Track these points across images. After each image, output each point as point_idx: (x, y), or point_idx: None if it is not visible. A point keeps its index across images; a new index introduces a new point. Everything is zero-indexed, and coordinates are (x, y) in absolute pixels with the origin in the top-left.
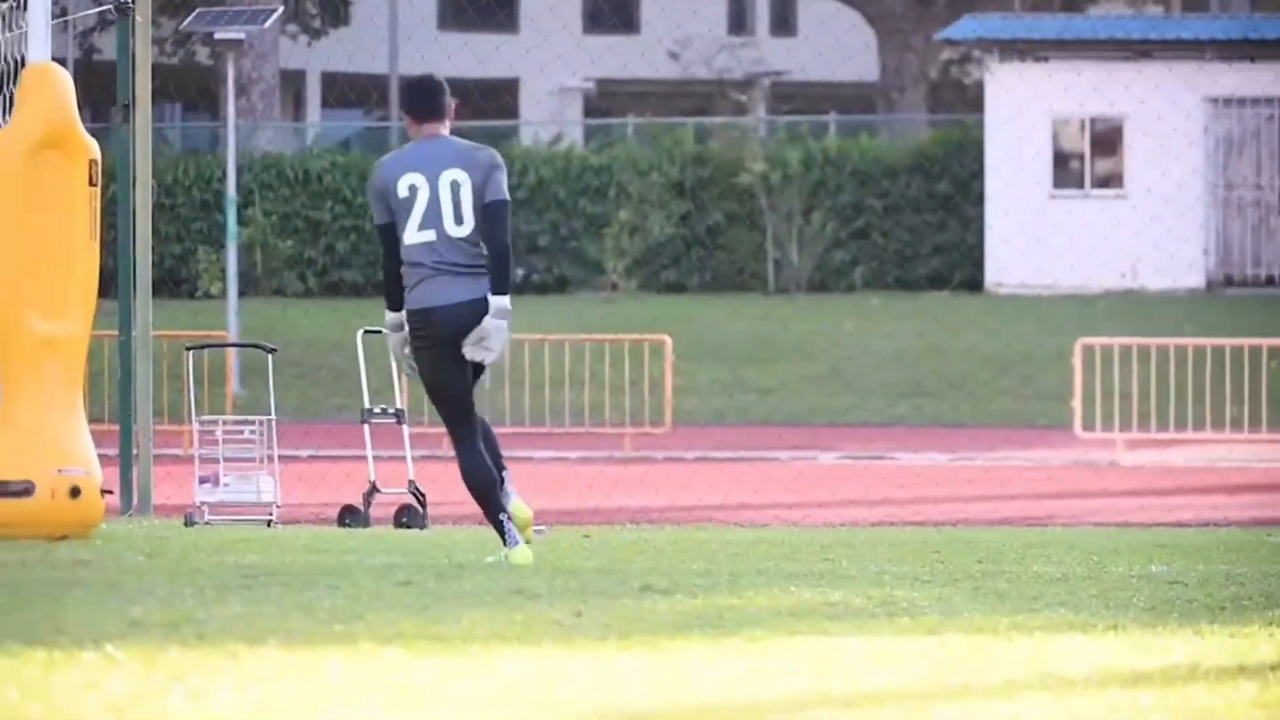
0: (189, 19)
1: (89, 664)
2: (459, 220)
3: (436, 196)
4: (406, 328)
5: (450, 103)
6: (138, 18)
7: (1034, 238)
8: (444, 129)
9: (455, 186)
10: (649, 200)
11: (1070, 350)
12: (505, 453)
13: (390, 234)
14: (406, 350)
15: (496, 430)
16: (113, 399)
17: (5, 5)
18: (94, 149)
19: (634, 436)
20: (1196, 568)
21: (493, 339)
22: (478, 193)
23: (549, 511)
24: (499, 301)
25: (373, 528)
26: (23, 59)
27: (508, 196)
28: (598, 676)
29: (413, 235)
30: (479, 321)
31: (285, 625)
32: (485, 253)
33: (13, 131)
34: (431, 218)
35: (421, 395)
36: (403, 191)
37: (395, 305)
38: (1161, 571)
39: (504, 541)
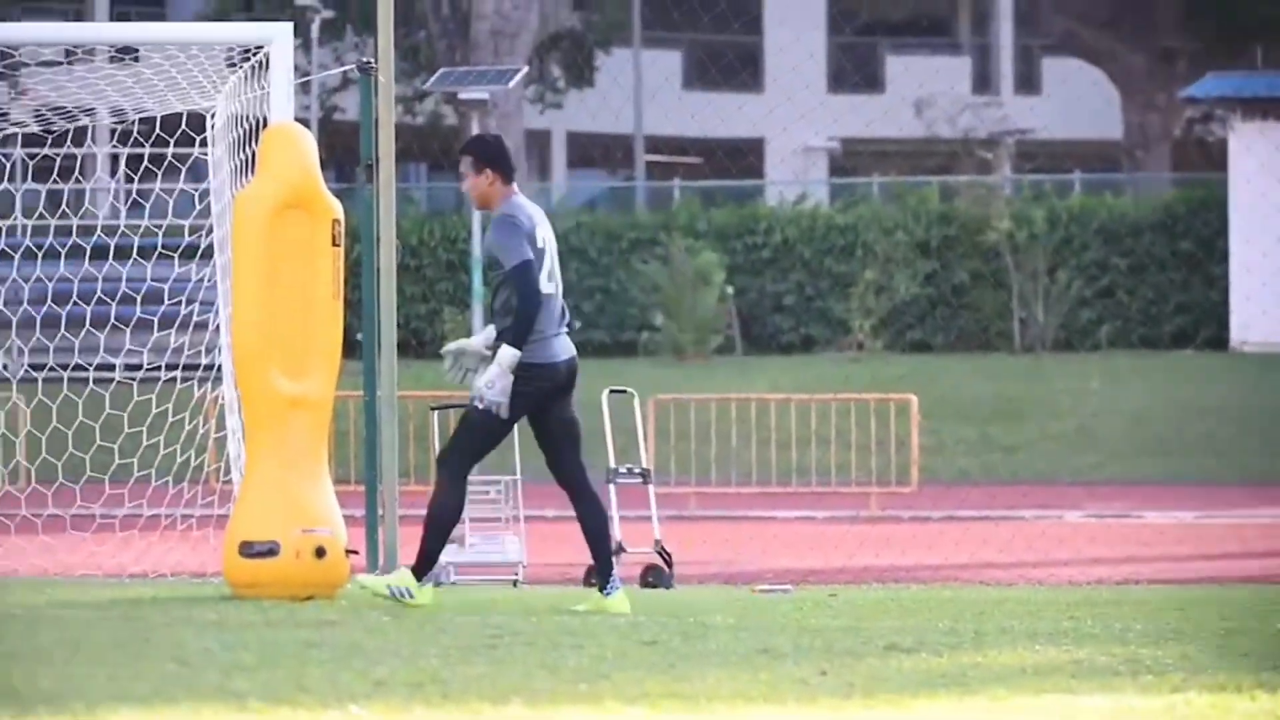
0: (433, 79)
1: None
2: (551, 278)
3: (552, 255)
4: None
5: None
6: (380, 77)
7: (1278, 295)
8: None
9: (553, 248)
10: (894, 259)
11: None
12: (753, 511)
13: (535, 272)
14: (500, 388)
15: (746, 489)
16: (359, 459)
17: (247, 65)
18: (337, 209)
19: (880, 495)
20: None
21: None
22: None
23: (794, 570)
24: None
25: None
26: (264, 119)
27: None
28: None
29: (544, 285)
30: (571, 380)
31: (530, 685)
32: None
33: (256, 191)
34: (551, 273)
35: (669, 454)
36: (539, 242)
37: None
38: None
39: (418, 577)
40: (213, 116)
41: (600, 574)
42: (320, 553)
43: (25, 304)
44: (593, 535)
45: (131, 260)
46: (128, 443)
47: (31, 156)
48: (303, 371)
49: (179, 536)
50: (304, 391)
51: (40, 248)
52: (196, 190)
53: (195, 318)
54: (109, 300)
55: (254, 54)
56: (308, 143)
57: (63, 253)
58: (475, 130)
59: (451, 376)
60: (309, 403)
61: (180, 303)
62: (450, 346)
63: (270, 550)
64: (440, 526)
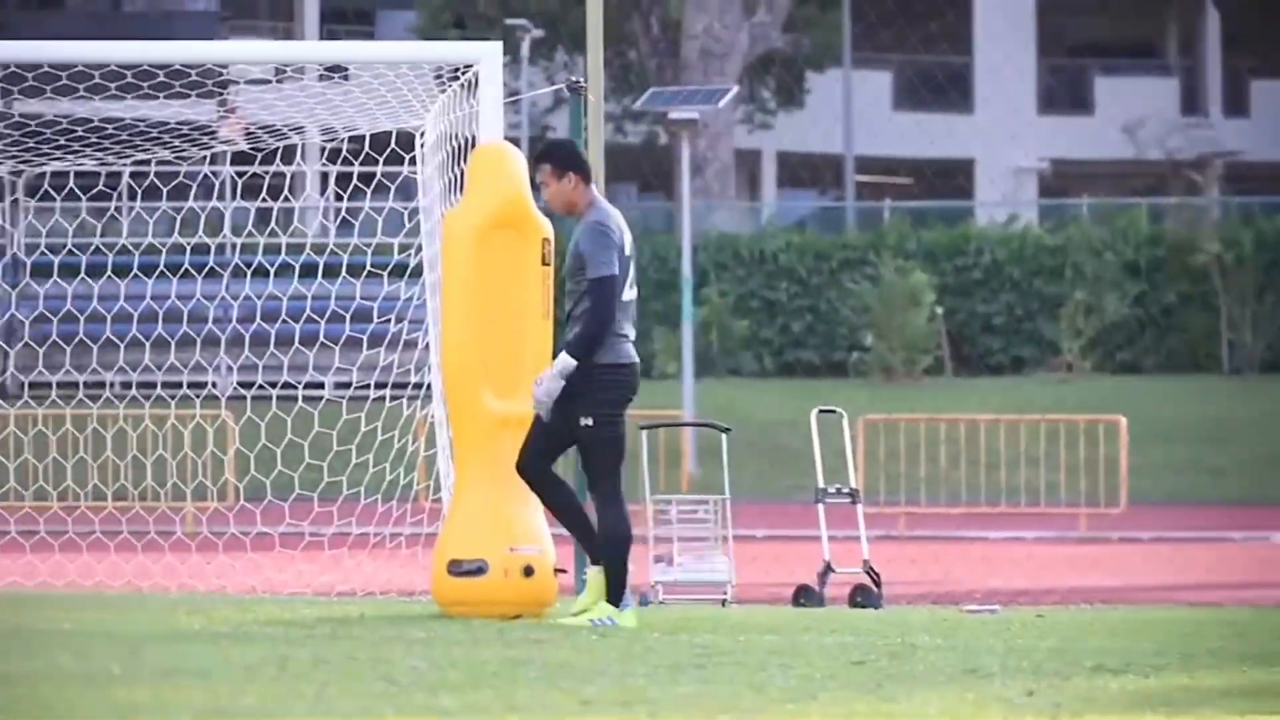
0: (643, 98)
1: None
2: (631, 285)
3: (633, 260)
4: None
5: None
6: (590, 96)
7: None
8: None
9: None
10: (1104, 280)
11: None
12: (961, 532)
13: (617, 289)
14: (546, 389)
15: (955, 509)
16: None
17: (456, 84)
18: (547, 228)
19: (1089, 516)
20: None
21: None
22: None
23: (1002, 591)
24: None
25: (827, 607)
26: (474, 137)
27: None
28: None
29: (627, 293)
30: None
31: (737, 704)
32: None
33: (465, 210)
34: (631, 280)
35: (878, 475)
36: (627, 249)
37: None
38: None
39: (618, 602)
40: (422, 135)
41: (610, 587)
42: (528, 571)
43: (234, 322)
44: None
45: (341, 278)
46: (337, 460)
47: (240, 175)
48: (512, 390)
49: (388, 555)
50: (513, 410)
51: (249, 266)
52: (406, 209)
53: (404, 336)
54: (318, 318)
55: (463, 73)
56: (517, 162)
57: (272, 271)
58: (685, 151)
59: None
60: (518, 421)
61: (389, 321)
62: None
63: (479, 569)
64: (617, 549)
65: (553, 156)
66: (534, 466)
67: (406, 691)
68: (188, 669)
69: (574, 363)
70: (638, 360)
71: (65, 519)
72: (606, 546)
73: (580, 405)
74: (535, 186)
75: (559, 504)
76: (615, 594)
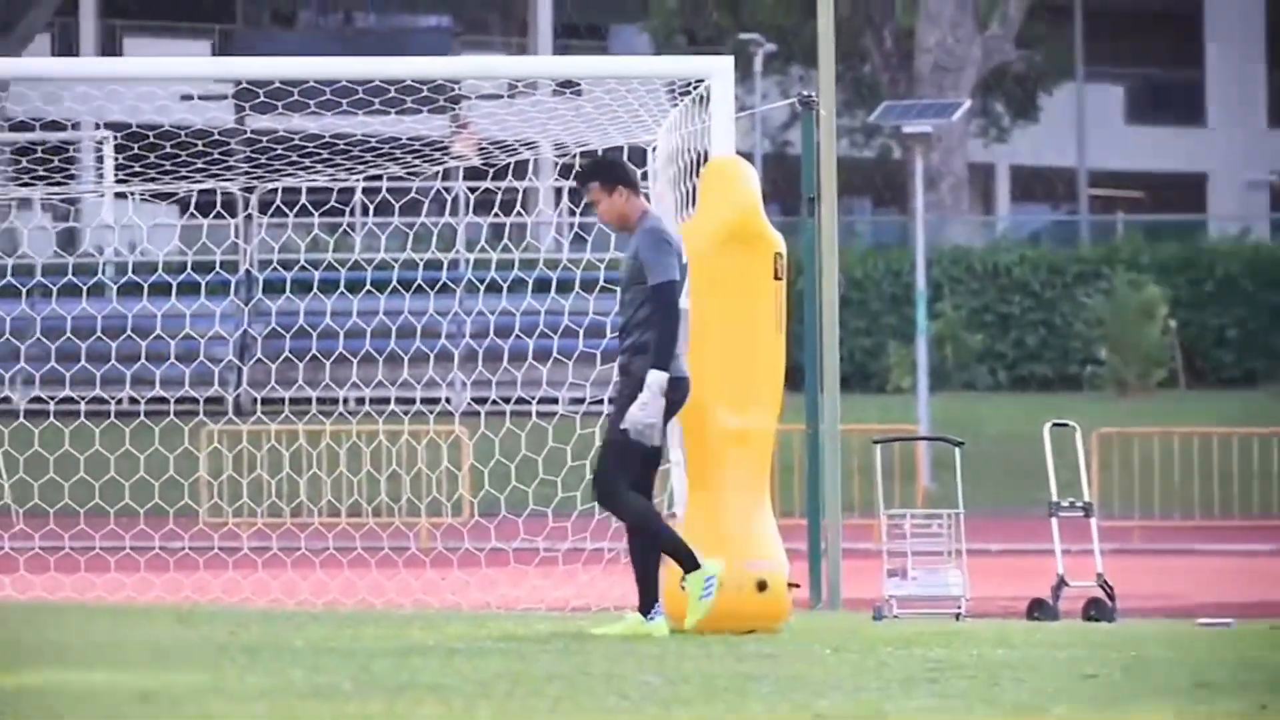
0: (876, 112)
1: None
2: (685, 296)
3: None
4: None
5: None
6: (822, 111)
7: None
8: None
9: None
10: None
11: None
12: (1196, 545)
13: (680, 293)
14: (653, 410)
15: (1189, 523)
16: (801, 493)
17: (688, 99)
18: (779, 242)
19: None
20: None
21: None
22: None
23: (1236, 604)
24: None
25: (1061, 621)
26: (705, 152)
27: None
28: None
29: (682, 301)
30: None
31: (970, 718)
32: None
33: (697, 224)
34: (685, 291)
35: (1112, 488)
36: (683, 257)
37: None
38: None
39: (651, 608)
40: (653, 150)
41: (642, 596)
42: (762, 586)
43: (468, 337)
44: (638, 554)
45: (574, 293)
46: (571, 475)
47: (473, 190)
48: (745, 405)
49: (622, 570)
50: (746, 425)
51: (482, 281)
52: None
53: None
54: (551, 333)
55: (695, 87)
56: (749, 176)
57: (505, 286)
58: (919, 165)
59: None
60: (751, 436)
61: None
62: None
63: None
64: (650, 550)
65: (599, 173)
66: (621, 492)
67: (639, 706)
68: (420, 684)
69: (666, 374)
70: (688, 374)
71: (298, 535)
72: (639, 549)
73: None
74: (590, 201)
75: (648, 526)
76: (649, 601)
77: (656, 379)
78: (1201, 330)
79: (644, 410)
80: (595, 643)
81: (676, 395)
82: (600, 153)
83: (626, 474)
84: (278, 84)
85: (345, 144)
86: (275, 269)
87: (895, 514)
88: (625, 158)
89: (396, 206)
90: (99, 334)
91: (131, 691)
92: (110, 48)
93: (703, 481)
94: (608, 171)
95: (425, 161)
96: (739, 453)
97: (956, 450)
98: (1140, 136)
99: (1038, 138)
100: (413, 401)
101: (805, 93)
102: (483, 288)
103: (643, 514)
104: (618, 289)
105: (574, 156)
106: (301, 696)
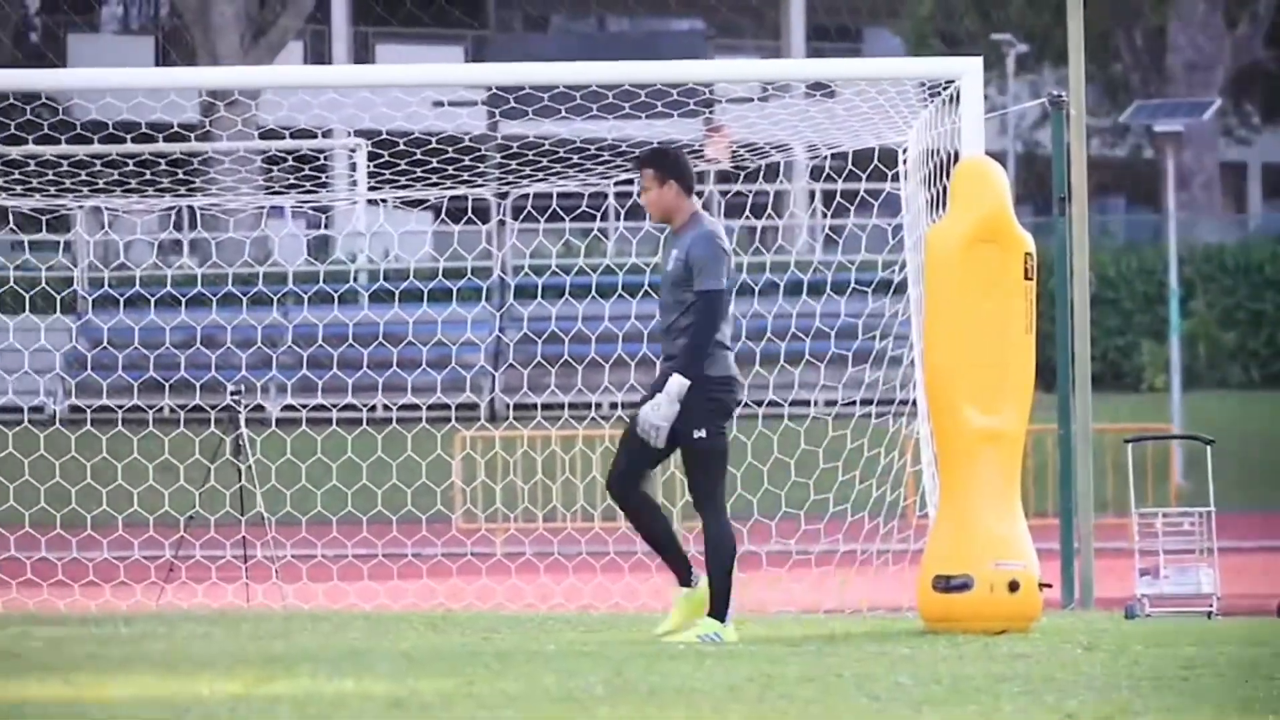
0: (1127, 112)
1: None
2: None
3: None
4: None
5: None
6: (1072, 110)
7: None
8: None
9: None
10: None
11: None
12: None
13: (725, 301)
14: (664, 414)
15: None
16: (1054, 493)
17: (938, 99)
18: (1029, 242)
19: None
20: None
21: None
22: None
23: None
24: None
25: None
26: (956, 153)
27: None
28: None
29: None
30: None
31: (1222, 718)
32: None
33: (947, 226)
34: (733, 293)
35: None
36: (734, 262)
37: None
38: None
39: (723, 617)
40: (904, 151)
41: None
42: (1013, 586)
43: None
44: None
45: (825, 295)
46: (823, 477)
47: (724, 193)
48: (996, 405)
49: (874, 571)
50: (997, 425)
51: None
52: (889, 225)
53: (889, 352)
54: (803, 336)
55: (945, 88)
56: (999, 177)
57: (756, 289)
58: (1171, 164)
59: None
60: (1002, 437)
61: (874, 337)
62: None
63: (964, 584)
64: (724, 561)
65: (655, 162)
66: (624, 485)
67: (890, 708)
68: (670, 688)
69: (688, 383)
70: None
71: (551, 540)
72: (715, 558)
73: (694, 418)
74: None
75: (650, 523)
76: (720, 608)
77: (677, 384)
78: None
79: (656, 411)
80: (847, 645)
81: (732, 396)
82: (653, 144)
83: (720, 488)
84: (529, 89)
85: (597, 148)
86: (527, 274)
87: (1147, 513)
88: (875, 159)
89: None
90: (351, 341)
91: (383, 699)
92: (362, 55)
93: (953, 482)
94: (664, 163)
95: None
96: (990, 453)
97: (1208, 448)
98: None
99: None
100: None
101: (1055, 92)
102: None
103: (727, 550)
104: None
105: (825, 159)
106: (553, 701)
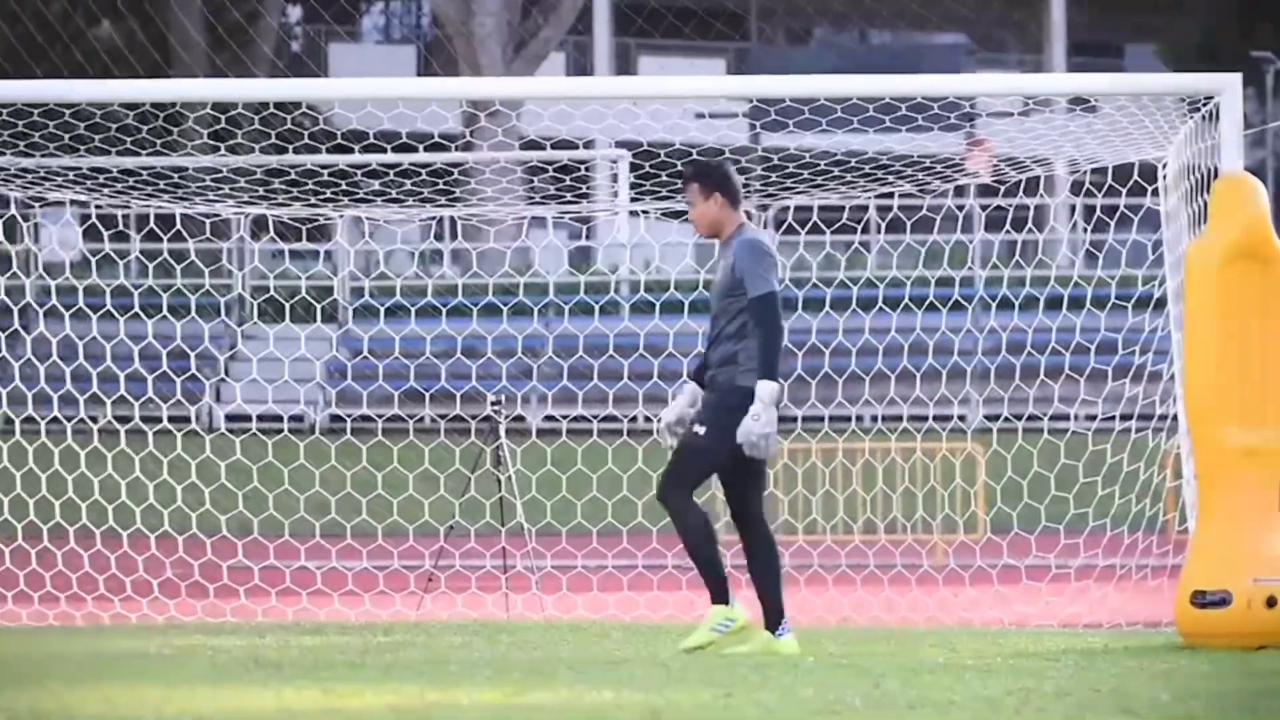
0: None
1: None
2: None
3: None
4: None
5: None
6: None
7: None
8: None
9: None
10: None
11: None
12: None
13: (779, 302)
14: (766, 420)
15: None
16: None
17: (1197, 115)
18: None
19: None
20: None
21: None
22: None
23: None
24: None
25: None
26: (1215, 169)
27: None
28: None
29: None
30: None
31: None
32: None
33: (1207, 242)
34: None
35: None
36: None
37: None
38: None
39: (778, 624)
40: (1164, 166)
41: (768, 614)
42: (1271, 602)
43: (980, 354)
44: (759, 573)
45: (1085, 310)
46: (1083, 492)
47: (985, 207)
48: (1258, 422)
49: (1133, 586)
50: (1258, 443)
51: (995, 298)
52: (1150, 240)
53: (1149, 368)
54: (1063, 350)
55: (1204, 104)
56: (1259, 193)
57: (1017, 303)
58: None
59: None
60: (1264, 453)
61: (1134, 353)
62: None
63: (1222, 600)
64: (703, 554)
65: (701, 176)
66: (683, 496)
67: None
68: (930, 702)
69: (776, 386)
70: None
71: (811, 552)
72: (691, 551)
73: (708, 418)
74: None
75: (697, 532)
76: (718, 592)
77: (768, 390)
78: None
79: (757, 422)
80: (1105, 660)
81: (740, 404)
82: (693, 157)
83: (693, 483)
84: (791, 102)
85: (858, 161)
86: (788, 286)
87: None
88: (1135, 174)
89: (908, 224)
90: (612, 352)
91: (640, 709)
92: (624, 66)
93: (1212, 498)
94: (710, 177)
95: (938, 179)
96: (1250, 470)
97: None
98: None
99: None
100: (925, 419)
101: None
102: (995, 304)
103: (695, 530)
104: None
105: (1085, 174)
106: (811, 713)
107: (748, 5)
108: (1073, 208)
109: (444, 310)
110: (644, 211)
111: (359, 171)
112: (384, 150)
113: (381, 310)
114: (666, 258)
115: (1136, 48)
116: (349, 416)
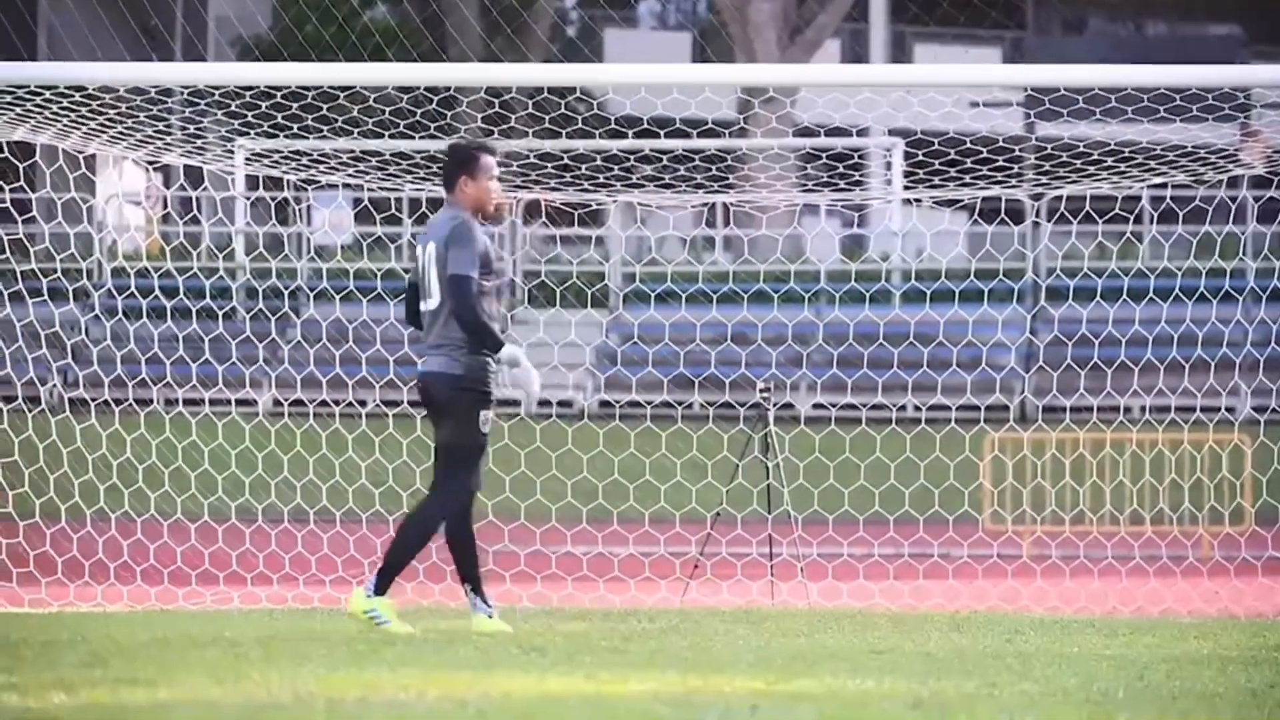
0: None
1: None
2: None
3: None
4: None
5: (457, 174)
6: None
7: None
8: (451, 200)
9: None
10: None
11: None
12: None
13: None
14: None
15: None
16: None
17: None
18: None
19: None
20: None
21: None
22: (442, 264)
23: None
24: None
25: None
26: None
27: (464, 271)
28: None
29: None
30: (437, 395)
31: None
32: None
33: None
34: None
35: None
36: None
37: None
38: None
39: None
40: None
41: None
42: None
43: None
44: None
45: None
46: None
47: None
48: None
49: None
50: None
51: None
52: None
53: None
54: None
55: None
56: None
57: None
58: None
59: None
60: None
61: None
62: None
63: None
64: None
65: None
66: None
67: None
68: (1192, 693)
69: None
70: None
71: (1077, 543)
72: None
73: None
74: None
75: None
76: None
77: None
78: None
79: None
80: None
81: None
82: None
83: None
84: (1066, 91)
85: (1131, 151)
86: (1059, 276)
87: None
88: None
89: (1181, 214)
90: (882, 340)
91: (904, 698)
92: (899, 54)
93: None
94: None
95: (1212, 169)
96: None
97: None
98: None
99: None
100: (1193, 410)
101: None
102: (1265, 296)
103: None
104: None
105: None
106: (1075, 705)
107: None
108: None
109: (715, 297)
110: (917, 200)
111: (632, 157)
112: (658, 136)
113: (652, 296)
114: (938, 246)
115: None
116: (618, 402)
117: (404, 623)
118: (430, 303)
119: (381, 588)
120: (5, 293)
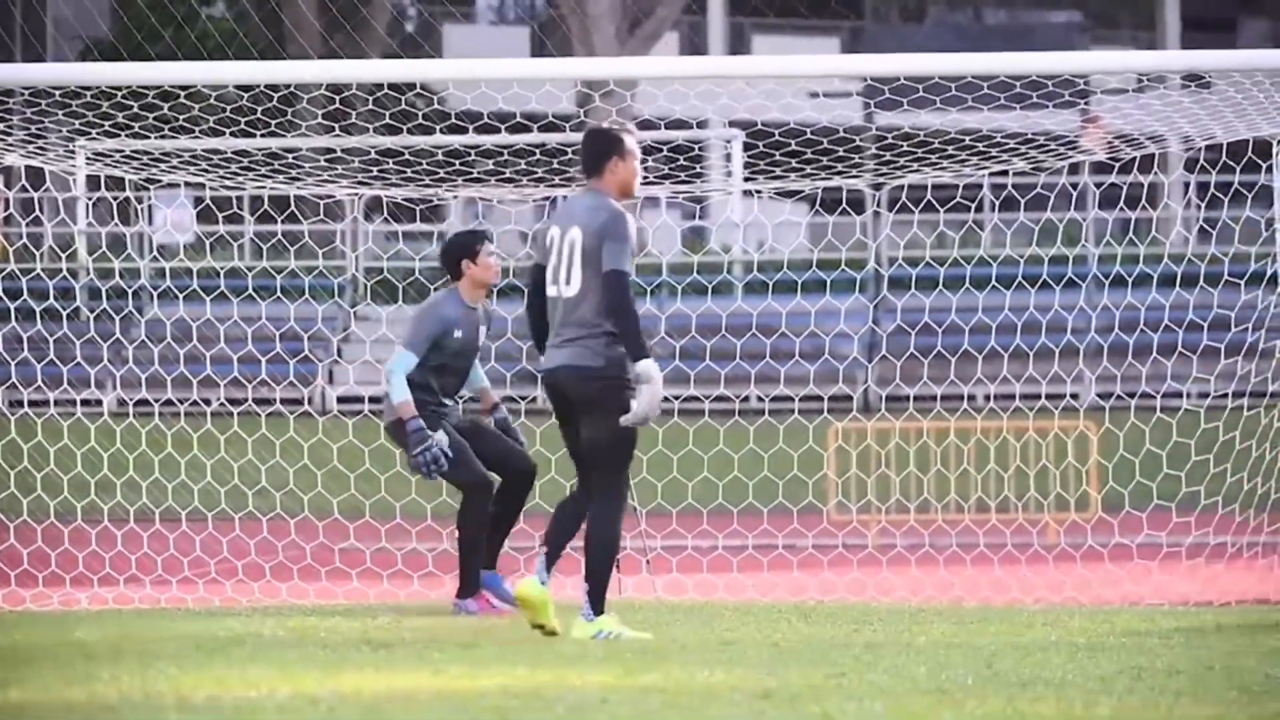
0: None
1: None
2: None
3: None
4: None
5: (606, 156)
6: None
7: None
8: (597, 185)
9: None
10: None
11: None
12: None
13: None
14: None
15: None
16: None
17: None
18: None
19: None
20: None
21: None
22: (588, 254)
23: None
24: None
25: None
26: None
27: (622, 266)
28: None
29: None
30: (575, 391)
31: None
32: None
33: None
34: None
35: None
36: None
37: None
38: None
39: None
40: (1278, 143)
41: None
42: None
43: (1093, 332)
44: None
45: (1198, 287)
46: (1195, 470)
47: (1099, 185)
48: None
49: (1244, 564)
50: None
51: (1107, 276)
52: (1263, 218)
53: (1261, 344)
54: (1176, 328)
55: None
56: None
57: (1130, 281)
58: None
59: None
60: None
61: (1246, 330)
62: None
63: None
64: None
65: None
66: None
67: (1259, 700)
68: (1041, 680)
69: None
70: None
71: (923, 532)
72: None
73: None
74: None
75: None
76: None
77: None
78: None
79: None
80: (1217, 637)
81: None
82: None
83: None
84: (905, 80)
85: (971, 139)
86: (901, 266)
87: None
88: (1250, 151)
89: (1022, 202)
90: (724, 332)
91: (753, 690)
92: (738, 46)
93: None
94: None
95: (1052, 156)
96: None
97: None
98: None
99: None
100: (1038, 397)
101: None
102: (1108, 282)
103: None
104: (1241, 282)
105: (1200, 151)
106: (923, 693)
107: None
108: (1186, 185)
109: None
110: (758, 191)
111: (473, 152)
112: (498, 131)
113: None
114: (779, 237)
115: (1251, 22)
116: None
117: (634, 630)
118: (567, 289)
119: (597, 608)
120: None
